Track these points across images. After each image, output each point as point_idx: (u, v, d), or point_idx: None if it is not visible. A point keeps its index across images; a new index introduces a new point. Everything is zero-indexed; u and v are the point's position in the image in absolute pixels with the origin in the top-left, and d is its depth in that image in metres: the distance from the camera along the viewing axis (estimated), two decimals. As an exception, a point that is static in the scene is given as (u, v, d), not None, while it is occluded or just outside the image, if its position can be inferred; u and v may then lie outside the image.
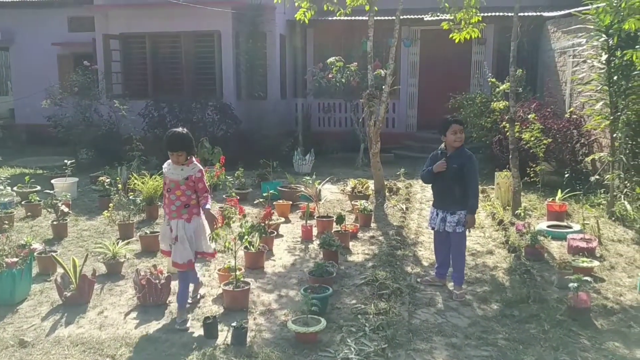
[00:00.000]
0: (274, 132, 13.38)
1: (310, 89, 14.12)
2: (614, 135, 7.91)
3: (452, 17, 8.99)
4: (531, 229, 6.89)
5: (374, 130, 8.99)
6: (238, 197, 8.54)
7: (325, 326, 4.44)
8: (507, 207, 8.57)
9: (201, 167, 4.84)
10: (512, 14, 8.13)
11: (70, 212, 8.10)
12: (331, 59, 12.74)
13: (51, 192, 8.18)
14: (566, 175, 9.34)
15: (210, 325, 4.52)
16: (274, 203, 8.29)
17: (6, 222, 7.68)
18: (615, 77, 7.75)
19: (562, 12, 12.07)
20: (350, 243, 7.00)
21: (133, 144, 10.44)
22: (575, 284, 4.79)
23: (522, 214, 7.99)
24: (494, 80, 10.90)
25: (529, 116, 9.42)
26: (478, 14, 8.88)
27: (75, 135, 12.75)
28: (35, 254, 5.95)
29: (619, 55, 7.56)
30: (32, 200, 8.59)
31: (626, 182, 8.03)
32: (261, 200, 8.17)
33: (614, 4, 7.10)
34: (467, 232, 5.44)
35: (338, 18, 9.92)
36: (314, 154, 12.31)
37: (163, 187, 4.94)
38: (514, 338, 4.49)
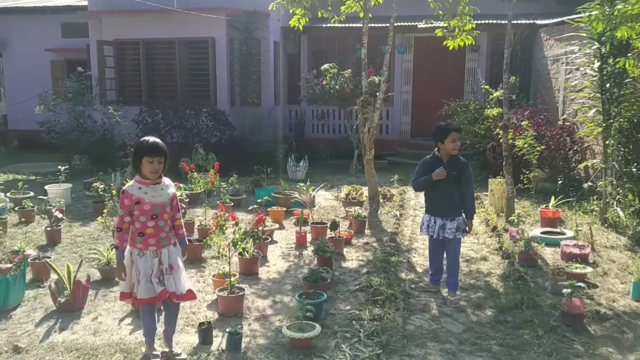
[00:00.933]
0: (268, 139, 13.39)
1: (304, 96, 14.12)
2: (607, 142, 7.96)
3: (446, 25, 9.07)
4: (525, 235, 6.92)
5: (367, 137, 9.00)
6: (232, 204, 8.60)
7: (320, 332, 4.45)
8: (501, 214, 8.61)
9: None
10: (506, 22, 8.19)
11: (64, 218, 8.07)
12: (325, 66, 12.75)
13: (45, 198, 8.14)
14: (559, 182, 9.41)
15: (205, 331, 4.51)
16: (268, 209, 8.28)
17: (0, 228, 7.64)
18: (607, 85, 7.80)
19: (555, 20, 12.16)
20: (345, 249, 7.01)
21: (127, 150, 10.40)
22: (569, 290, 4.81)
23: (516, 221, 8.03)
24: (487, 87, 10.94)
25: (523, 123, 9.46)
26: (472, 22, 8.96)
27: (69, 141, 12.67)
28: (29, 259, 5.91)
29: (611, 62, 7.61)
30: (26, 206, 8.55)
31: (619, 188, 8.07)
32: (255, 206, 8.16)
33: (607, 12, 7.19)
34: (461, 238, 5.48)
35: (332, 25, 9.93)
36: (308, 161, 12.32)
37: (129, 217, 4.06)
38: (508, 344, 4.51)
